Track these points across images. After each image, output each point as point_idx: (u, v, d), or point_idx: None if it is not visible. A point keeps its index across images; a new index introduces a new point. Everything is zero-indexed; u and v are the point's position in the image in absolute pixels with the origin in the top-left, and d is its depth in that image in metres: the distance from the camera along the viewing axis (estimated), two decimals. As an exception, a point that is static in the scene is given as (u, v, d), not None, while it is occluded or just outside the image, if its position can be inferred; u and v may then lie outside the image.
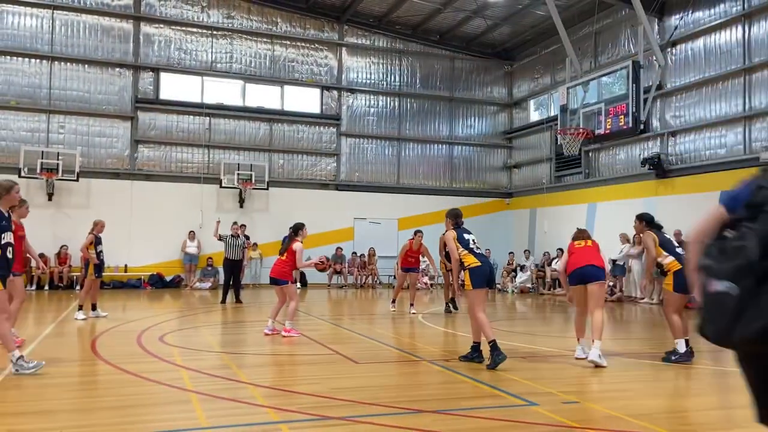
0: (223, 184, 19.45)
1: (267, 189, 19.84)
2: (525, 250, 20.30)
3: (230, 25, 20.29)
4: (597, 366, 6.82)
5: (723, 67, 14.64)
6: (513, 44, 22.25)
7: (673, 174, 15.89)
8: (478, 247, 7.16)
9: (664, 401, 5.52)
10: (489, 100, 23.02)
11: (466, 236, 7.22)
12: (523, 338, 9.24)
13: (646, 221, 8.06)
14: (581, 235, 7.91)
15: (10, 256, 6.12)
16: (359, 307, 14.71)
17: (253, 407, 5.01)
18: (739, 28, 14.27)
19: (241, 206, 19.82)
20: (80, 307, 10.53)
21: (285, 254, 9.06)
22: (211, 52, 20.05)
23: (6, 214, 6.22)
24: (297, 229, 9.26)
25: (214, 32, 20.10)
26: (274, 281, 9.11)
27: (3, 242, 6.07)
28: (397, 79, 22.02)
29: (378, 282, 20.55)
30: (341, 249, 20.29)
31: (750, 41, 14.03)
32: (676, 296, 7.48)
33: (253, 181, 19.57)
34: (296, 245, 9.00)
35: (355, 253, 20.65)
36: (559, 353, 7.91)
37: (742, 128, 14.18)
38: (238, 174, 19.48)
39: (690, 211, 14.99)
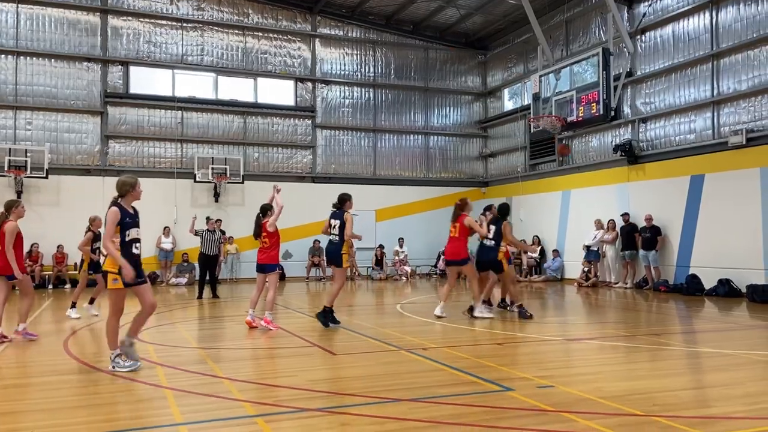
0: (198, 179, 19.23)
1: (242, 183, 19.67)
2: (501, 239, 20.41)
3: (200, 17, 20.00)
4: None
5: (691, 53, 14.85)
6: (486, 34, 22.30)
7: (644, 160, 16.11)
8: (332, 233, 9.18)
9: (636, 383, 5.62)
10: (463, 90, 23.06)
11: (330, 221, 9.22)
12: (501, 324, 9.32)
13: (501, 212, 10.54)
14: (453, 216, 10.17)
15: (136, 251, 6.13)
16: (338, 299, 14.64)
17: (228, 402, 4.98)
18: (707, 14, 14.46)
19: (216, 200, 19.63)
20: (73, 305, 10.31)
21: (267, 240, 9.10)
22: (182, 44, 19.75)
23: (132, 211, 6.22)
24: (266, 211, 9.40)
25: (184, 24, 19.80)
26: (263, 268, 9.20)
27: (128, 239, 6.09)
28: (372, 69, 21.93)
29: (357, 274, 20.53)
30: (319, 242, 20.20)
31: (717, 27, 14.23)
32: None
33: (228, 175, 19.38)
34: (270, 225, 9.17)
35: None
36: (535, 339, 8.00)
37: (711, 113, 14.41)
38: (213, 168, 19.28)
39: (661, 195, 15.27)
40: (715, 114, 14.34)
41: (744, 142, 13.29)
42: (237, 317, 10.28)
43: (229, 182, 19.50)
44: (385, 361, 6.85)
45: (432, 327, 9.35)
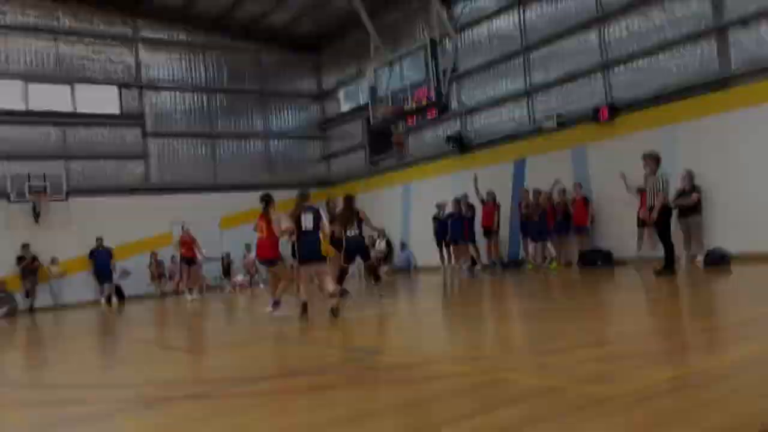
0: (12, 199, 17.22)
1: (66, 200, 17.94)
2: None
3: (2, 21, 17.97)
4: None
5: (505, 49, 16.27)
6: (317, 36, 22.56)
7: (473, 149, 17.32)
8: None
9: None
10: (300, 93, 23.13)
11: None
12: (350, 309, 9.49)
13: None
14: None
15: None
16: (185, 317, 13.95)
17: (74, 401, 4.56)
18: (515, 13, 15.96)
19: (37, 221, 17.73)
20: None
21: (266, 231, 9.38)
22: (-19, 51, 17.61)
23: None
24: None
25: (-17, 29, 17.69)
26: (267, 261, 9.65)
27: None
28: (203, 74, 21.20)
29: (207, 285, 19.60)
30: (157, 254, 18.98)
31: (525, 25, 15.76)
32: None
33: (49, 192, 17.58)
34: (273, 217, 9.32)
35: (174, 257, 19.49)
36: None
37: (526, 103, 15.91)
38: (29, 186, 17.37)
39: (490, 180, 16.50)
40: (530, 103, 15.84)
41: (555, 126, 14.84)
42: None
43: (50, 200, 17.68)
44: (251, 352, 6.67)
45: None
